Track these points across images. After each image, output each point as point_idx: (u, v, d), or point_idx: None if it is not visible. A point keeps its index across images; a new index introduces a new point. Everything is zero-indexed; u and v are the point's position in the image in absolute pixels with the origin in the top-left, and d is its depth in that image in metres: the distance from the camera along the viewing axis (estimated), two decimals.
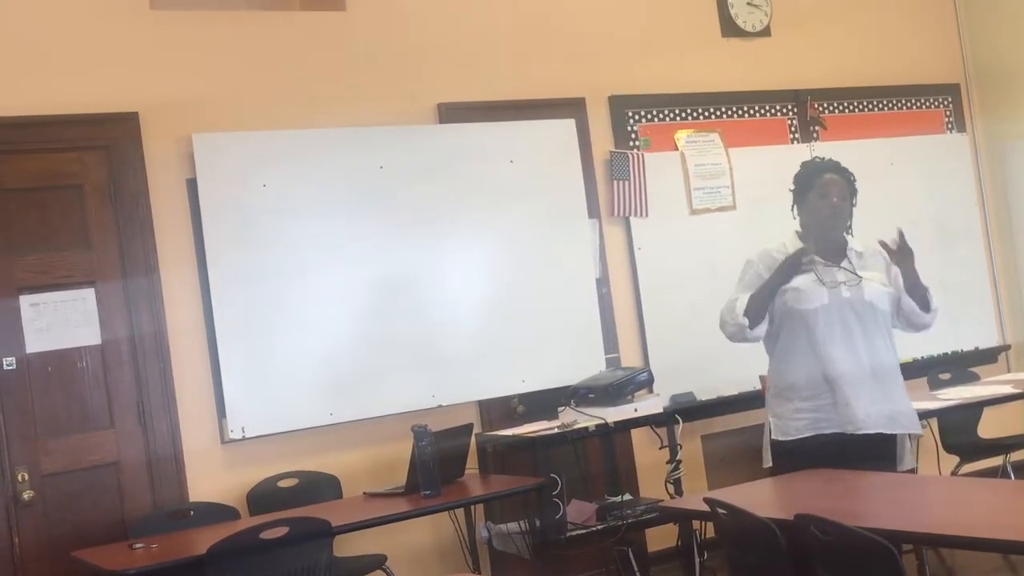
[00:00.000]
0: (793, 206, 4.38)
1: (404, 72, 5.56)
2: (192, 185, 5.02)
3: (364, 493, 4.86)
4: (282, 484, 4.97)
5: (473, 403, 5.49)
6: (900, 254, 4.22)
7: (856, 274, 4.24)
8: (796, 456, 4.15)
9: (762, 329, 4.25)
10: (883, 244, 4.24)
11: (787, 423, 4.23)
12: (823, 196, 4.25)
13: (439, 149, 5.51)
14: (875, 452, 4.13)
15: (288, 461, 5.02)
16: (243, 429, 4.94)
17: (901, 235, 4.20)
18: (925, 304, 4.27)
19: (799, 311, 4.20)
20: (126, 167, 4.95)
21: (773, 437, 4.27)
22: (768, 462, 4.31)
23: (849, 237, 4.34)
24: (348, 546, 4.82)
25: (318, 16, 5.45)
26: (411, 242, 5.39)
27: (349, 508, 4.61)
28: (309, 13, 5.45)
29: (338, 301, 5.20)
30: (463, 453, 4.85)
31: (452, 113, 5.65)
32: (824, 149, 6.58)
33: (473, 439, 5.01)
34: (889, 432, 4.19)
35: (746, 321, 4.21)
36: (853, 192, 4.33)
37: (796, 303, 4.20)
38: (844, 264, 4.26)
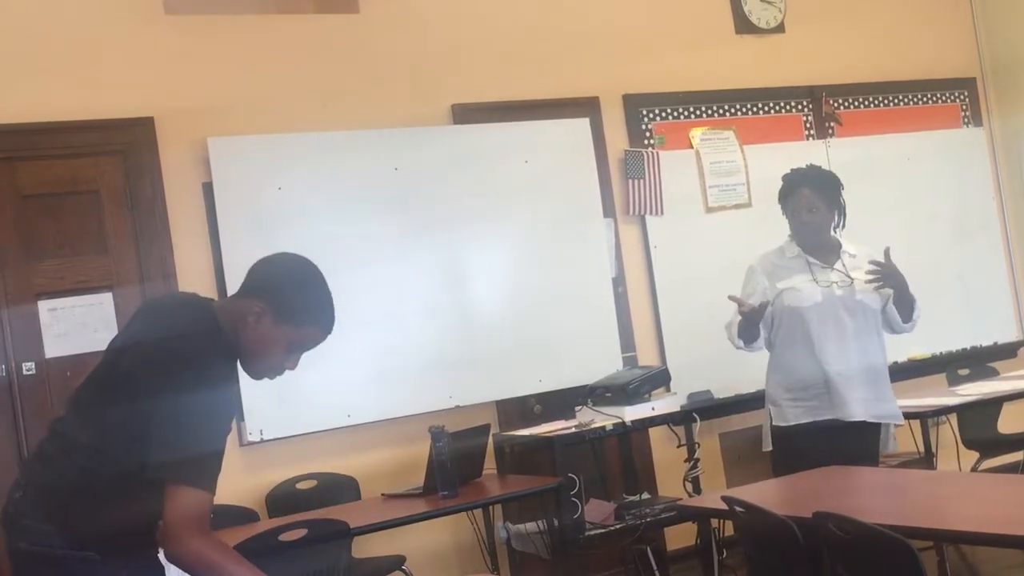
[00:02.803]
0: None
1: (418, 74, 5.57)
2: (208, 189, 5.04)
3: (382, 494, 4.86)
4: (301, 486, 4.99)
5: (490, 403, 5.50)
6: (887, 277, 4.42)
7: (848, 275, 4.49)
8: (793, 440, 4.48)
9: (760, 343, 4.56)
10: (874, 264, 4.41)
11: (785, 410, 4.54)
12: (795, 214, 4.55)
13: (454, 150, 5.52)
14: (862, 439, 4.46)
15: (306, 463, 5.04)
16: (261, 431, 4.96)
17: (887, 255, 4.43)
18: (908, 315, 4.55)
19: (795, 308, 4.49)
20: (142, 172, 4.97)
21: (773, 423, 4.58)
22: (768, 446, 4.62)
23: (843, 239, 4.61)
24: (367, 547, 4.83)
25: (331, 19, 5.46)
26: (426, 243, 5.40)
27: (367, 509, 4.62)
28: (322, 16, 5.47)
29: (355, 302, 5.14)
30: (481, 453, 4.86)
31: (466, 114, 5.66)
32: (840, 145, 6.59)
33: (491, 439, 5.02)
34: (874, 421, 4.49)
35: (741, 343, 4.55)
36: (832, 197, 4.56)
37: (793, 301, 4.50)
38: (837, 265, 4.52)
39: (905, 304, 4.51)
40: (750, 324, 4.45)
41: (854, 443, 4.39)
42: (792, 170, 4.70)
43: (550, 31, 5.91)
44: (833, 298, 4.46)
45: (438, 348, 5.36)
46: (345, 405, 5.13)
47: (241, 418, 4.96)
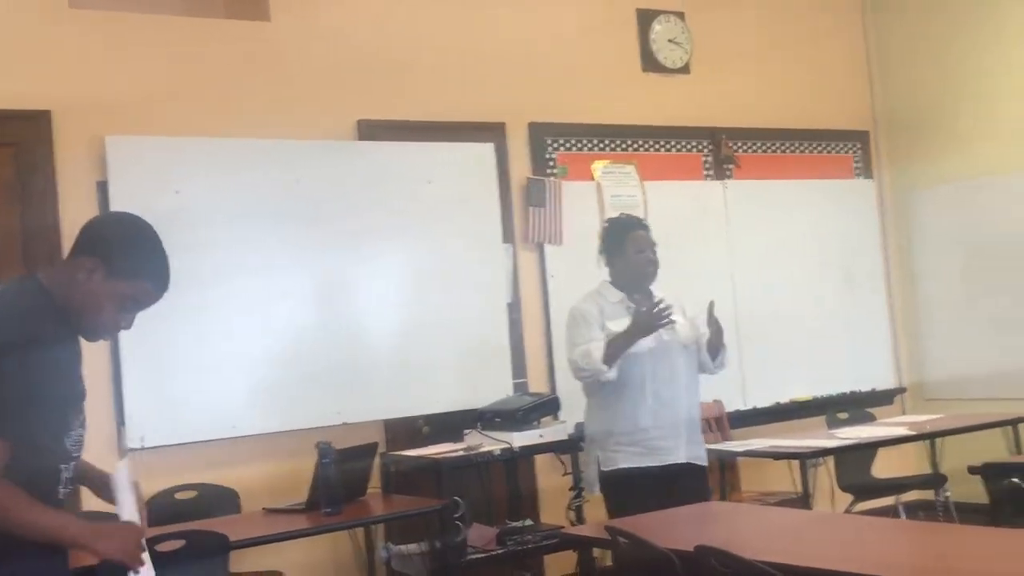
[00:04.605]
0: (602, 258, 4.71)
1: (325, 87, 5.54)
2: (103, 188, 4.94)
3: (264, 508, 4.79)
4: (180, 496, 4.88)
5: (379, 422, 5.47)
6: (714, 330, 4.57)
7: (670, 319, 4.53)
8: (624, 484, 4.49)
9: (613, 372, 4.48)
10: (710, 320, 4.56)
11: (611, 455, 4.54)
12: (640, 251, 4.62)
13: (357, 166, 5.50)
14: (694, 479, 4.57)
15: (187, 473, 4.93)
16: (142, 439, 4.86)
17: (710, 310, 4.56)
18: (720, 363, 4.68)
19: (631, 354, 4.47)
20: (35, 166, 4.85)
21: (602, 468, 4.57)
22: (595, 491, 4.63)
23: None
24: (245, 562, 4.74)
25: (242, 25, 5.41)
26: (323, 257, 5.36)
27: (247, 523, 4.55)
28: (233, 22, 5.41)
29: (246, 312, 5.14)
30: (366, 472, 4.82)
31: (372, 130, 5.64)
32: (736, 187, 6.74)
33: (377, 458, 4.99)
34: (698, 463, 4.61)
35: (606, 367, 4.45)
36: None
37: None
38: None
39: (716, 349, 4.63)
40: (626, 345, 4.43)
41: (689, 484, 4.49)
42: (622, 214, 4.93)
43: (461, 54, 5.94)
44: (663, 342, 4.53)
45: (329, 364, 5.31)
46: (230, 416, 5.05)
47: (122, 423, 4.85)
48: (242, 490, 4.98)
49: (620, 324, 4.50)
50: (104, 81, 5.01)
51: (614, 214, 6.20)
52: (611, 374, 4.49)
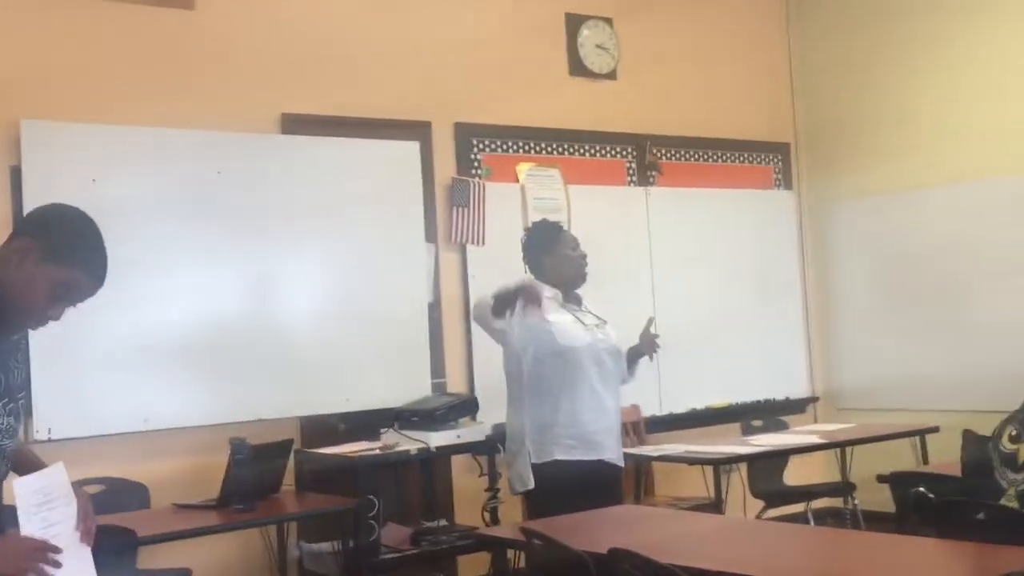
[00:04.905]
0: (529, 261, 4.74)
1: (250, 78, 5.47)
2: (16, 173, 4.82)
3: (174, 504, 4.72)
4: (87, 490, 4.77)
5: (295, 418, 5.40)
6: (646, 340, 4.71)
7: (600, 318, 4.64)
8: (554, 476, 4.46)
9: (500, 323, 4.46)
10: (645, 333, 4.72)
11: (544, 447, 4.51)
12: (575, 248, 4.67)
13: (280, 160, 5.44)
14: (614, 478, 4.63)
15: (96, 467, 4.82)
16: (49, 430, 4.74)
17: (648, 324, 4.72)
18: (633, 373, 4.80)
19: (568, 348, 4.51)
20: None
21: (533, 461, 4.51)
22: (529, 484, 4.53)
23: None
24: (154, 559, 4.66)
25: (165, 12, 5.31)
26: (241, 251, 5.30)
27: (157, 519, 4.48)
28: (156, 8, 5.31)
29: (161, 304, 5.05)
30: (281, 469, 4.78)
31: (296, 124, 5.58)
32: (659, 194, 6.79)
33: (292, 456, 4.93)
34: (618, 464, 4.65)
35: (491, 305, 4.42)
36: None
37: (564, 340, 4.50)
38: (584, 308, 4.64)
39: (636, 361, 4.75)
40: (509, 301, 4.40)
41: (607, 484, 4.53)
42: (545, 219, 5.01)
43: (389, 51, 5.90)
44: (596, 340, 4.57)
45: (244, 358, 5.24)
46: (143, 409, 4.96)
47: (28, 413, 4.73)
48: (152, 485, 4.90)
49: (562, 319, 4.52)
50: (20, 62, 4.88)
51: (536, 217, 6.25)
52: (497, 324, 4.46)
